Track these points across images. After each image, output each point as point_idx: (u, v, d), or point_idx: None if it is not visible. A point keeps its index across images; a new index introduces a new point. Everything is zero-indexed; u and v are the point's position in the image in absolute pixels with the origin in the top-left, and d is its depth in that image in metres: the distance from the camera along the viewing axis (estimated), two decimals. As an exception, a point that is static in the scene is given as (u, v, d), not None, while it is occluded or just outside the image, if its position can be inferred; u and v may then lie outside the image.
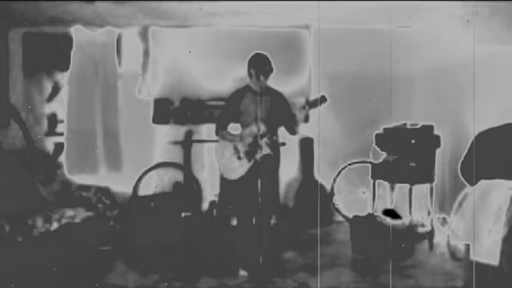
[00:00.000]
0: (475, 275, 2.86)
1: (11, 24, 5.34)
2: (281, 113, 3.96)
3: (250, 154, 3.85)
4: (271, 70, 3.88)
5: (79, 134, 5.07)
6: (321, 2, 4.50)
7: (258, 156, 3.82)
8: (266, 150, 3.85)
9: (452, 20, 4.94)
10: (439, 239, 4.70)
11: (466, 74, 4.74)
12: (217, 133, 4.00)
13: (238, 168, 3.87)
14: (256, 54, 3.92)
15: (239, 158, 3.88)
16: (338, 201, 5.71)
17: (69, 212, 4.31)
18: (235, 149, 3.90)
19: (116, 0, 4.25)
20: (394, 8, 4.79)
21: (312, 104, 3.79)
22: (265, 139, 3.85)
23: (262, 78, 3.83)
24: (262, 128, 3.81)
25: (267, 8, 4.80)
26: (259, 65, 3.84)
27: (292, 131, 3.99)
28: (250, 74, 3.92)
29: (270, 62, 3.89)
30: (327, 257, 4.48)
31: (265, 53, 3.92)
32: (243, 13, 5.00)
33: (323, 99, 3.75)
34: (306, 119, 5.14)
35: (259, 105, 3.83)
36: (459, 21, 4.85)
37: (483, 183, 2.93)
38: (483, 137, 3.09)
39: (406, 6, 4.72)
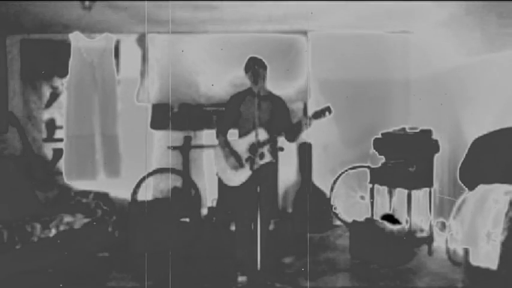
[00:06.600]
0: (474, 279, 2.86)
1: (9, 31, 5.35)
2: (281, 119, 3.96)
3: (251, 161, 3.82)
4: (264, 72, 3.86)
5: (78, 140, 5.06)
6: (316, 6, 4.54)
7: (259, 163, 3.76)
8: (267, 158, 3.83)
9: (447, 25, 4.97)
10: (438, 243, 4.69)
11: (462, 79, 4.77)
12: (218, 137, 3.98)
13: (239, 175, 3.86)
14: (250, 58, 3.92)
15: (241, 165, 3.86)
16: (337, 206, 5.70)
17: (68, 218, 4.31)
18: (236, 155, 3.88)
19: (115, 1, 4.26)
20: (391, 12, 4.82)
21: (316, 114, 3.70)
22: (267, 146, 3.81)
23: (257, 80, 3.80)
24: (262, 135, 3.76)
25: (266, 14, 4.83)
26: (253, 68, 3.82)
27: (292, 139, 3.96)
28: (249, 78, 3.91)
29: (263, 63, 3.88)
30: (326, 262, 4.47)
31: (259, 57, 3.91)
32: (241, 20, 5.02)
33: (328, 110, 3.67)
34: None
35: (258, 109, 3.75)
36: (455, 26, 4.87)
37: (482, 187, 2.93)
38: (481, 142, 3.09)
39: (403, 10, 4.74)
